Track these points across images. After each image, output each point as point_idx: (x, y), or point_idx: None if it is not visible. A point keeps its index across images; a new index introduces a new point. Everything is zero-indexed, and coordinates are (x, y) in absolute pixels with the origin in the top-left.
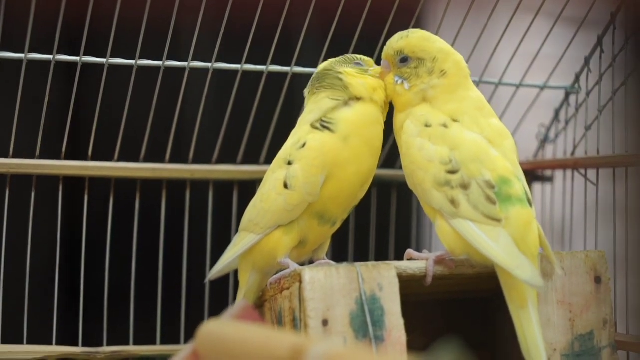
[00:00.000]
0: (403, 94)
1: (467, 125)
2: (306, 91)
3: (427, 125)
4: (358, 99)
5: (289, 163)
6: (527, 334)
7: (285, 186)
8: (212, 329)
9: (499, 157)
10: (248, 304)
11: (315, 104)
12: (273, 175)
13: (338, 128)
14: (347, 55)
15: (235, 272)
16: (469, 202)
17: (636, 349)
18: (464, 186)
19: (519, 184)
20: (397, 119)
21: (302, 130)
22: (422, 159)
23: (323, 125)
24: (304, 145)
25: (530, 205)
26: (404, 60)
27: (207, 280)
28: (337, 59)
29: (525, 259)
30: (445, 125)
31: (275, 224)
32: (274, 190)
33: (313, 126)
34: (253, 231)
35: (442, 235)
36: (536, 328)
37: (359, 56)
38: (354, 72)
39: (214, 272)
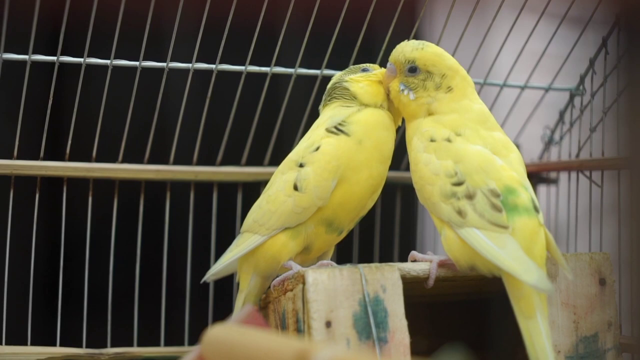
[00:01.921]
0: (408, 104)
1: (469, 138)
2: (320, 107)
3: (432, 140)
4: (367, 105)
5: (301, 165)
6: (536, 344)
7: (295, 188)
8: (217, 333)
9: (505, 167)
10: (254, 309)
11: (329, 112)
12: (282, 177)
13: (353, 130)
14: (353, 66)
15: None
16: (475, 211)
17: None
18: (470, 196)
19: (526, 193)
20: (407, 128)
21: (316, 134)
22: (429, 174)
23: (338, 129)
24: (317, 148)
25: (538, 212)
26: (413, 70)
27: (205, 279)
28: (344, 70)
29: (533, 263)
30: (449, 140)
31: (282, 226)
32: (283, 191)
33: (328, 130)
34: (258, 232)
35: (448, 246)
36: (545, 339)
37: (365, 64)
38: (360, 78)
39: (213, 272)
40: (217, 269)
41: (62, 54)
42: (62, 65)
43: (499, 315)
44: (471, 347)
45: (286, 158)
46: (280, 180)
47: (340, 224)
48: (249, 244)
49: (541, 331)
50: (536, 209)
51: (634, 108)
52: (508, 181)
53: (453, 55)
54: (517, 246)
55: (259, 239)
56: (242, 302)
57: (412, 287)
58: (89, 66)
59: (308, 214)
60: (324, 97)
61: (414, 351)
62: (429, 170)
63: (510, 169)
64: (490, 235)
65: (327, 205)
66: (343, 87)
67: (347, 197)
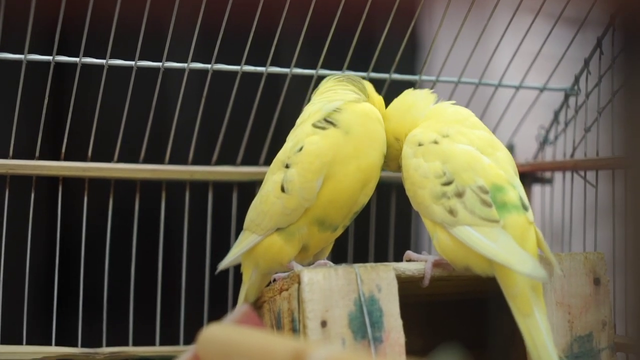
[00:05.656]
0: None
1: (455, 138)
2: (330, 78)
3: (420, 145)
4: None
5: (287, 166)
6: (537, 342)
7: (283, 190)
8: (213, 333)
9: (492, 166)
10: (249, 309)
11: (335, 88)
12: (272, 177)
13: (342, 119)
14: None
15: (235, 273)
16: (465, 209)
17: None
18: (459, 194)
19: (514, 191)
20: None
21: (301, 131)
22: (420, 178)
23: (327, 120)
24: (301, 148)
25: (527, 210)
26: None
27: (220, 268)
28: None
29: (526, 253)
30: (436, 142)
31: (275, 227)
32: (273, 193)
33: (315, 126)
34: (255, 231)
35: (442, 248)
36: (545, 336)
37: None
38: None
39: (223, 266)
40: (226, 263)
41: (58, 53)
42: (58, 64)
43: (494, 314)
44: (466, 347)
45: (276, 157)
46: (270, 181)
47: (332, 222)
48: (248, 242)
49: (540, 328)
50: (525, 207)
51: (630, 108)
52: (495, 179)
53: (449, 54)
54: (509, 238)
55: (257, 238)
56: (245, 294)
57: (408, 286)
58: (85, 66)
59: (297, 215)
60: (339, 74)
61: (409, 351)
62: (418, 174)
63: (498, 167)
64: (482, 230)
65: (316, 204)
66: (361, 82)
67: (335, 194)
